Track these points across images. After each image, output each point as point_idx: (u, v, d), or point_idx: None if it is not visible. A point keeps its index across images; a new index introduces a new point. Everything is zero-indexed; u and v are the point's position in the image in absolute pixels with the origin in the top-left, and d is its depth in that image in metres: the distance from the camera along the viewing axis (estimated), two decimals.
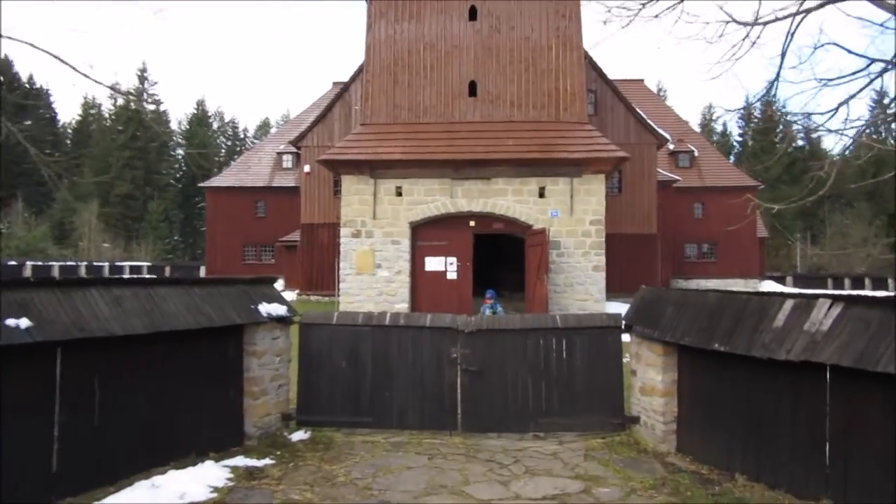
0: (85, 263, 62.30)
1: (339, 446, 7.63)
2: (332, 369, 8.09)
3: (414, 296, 19.50)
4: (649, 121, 28.88)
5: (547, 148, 19.01)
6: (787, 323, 5.72)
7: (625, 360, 8.19)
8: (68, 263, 61.70)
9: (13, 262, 55.89)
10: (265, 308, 7.77)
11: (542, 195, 19.22)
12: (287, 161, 41.52)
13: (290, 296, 30.53)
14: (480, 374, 7.96)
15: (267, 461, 6.97)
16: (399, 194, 19.32)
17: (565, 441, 7.92)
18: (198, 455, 6.97)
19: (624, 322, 7.99)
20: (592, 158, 18.62)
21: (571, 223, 19.17)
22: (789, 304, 5.82)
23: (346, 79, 29.10)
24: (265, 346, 7.82)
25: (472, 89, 20.01)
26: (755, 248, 44.59)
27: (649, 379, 7.56)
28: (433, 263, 19.56)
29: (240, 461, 6.87)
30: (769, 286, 46.12)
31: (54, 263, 59.62)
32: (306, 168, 28.86)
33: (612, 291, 22.01)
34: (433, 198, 19.27)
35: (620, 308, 23.35)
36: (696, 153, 44.86)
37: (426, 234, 19.59)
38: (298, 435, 7.94)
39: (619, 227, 27.57)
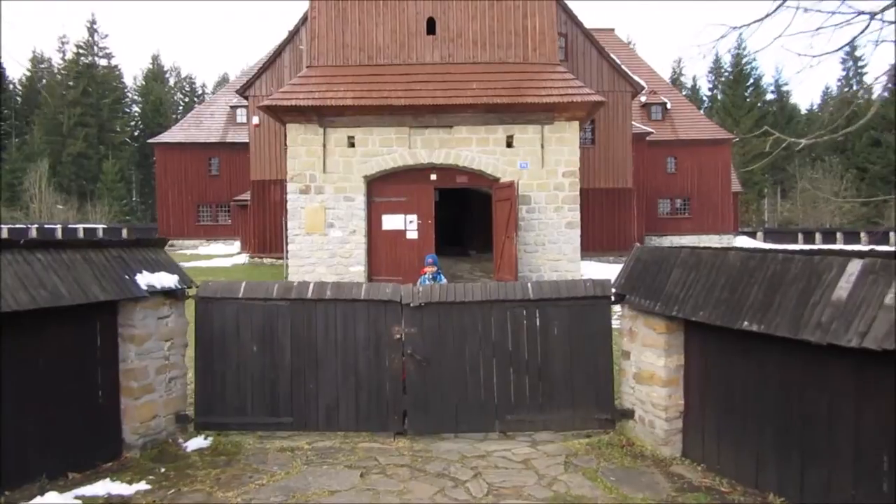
0: (35, 226, 59.50)
1: (246, 458, 5.84)
2: (241, 356, 6.27)
3: (370, 258, 17.63)
4: (624, 67, 26.99)
5: (515, 92, 17.07)
6: (854, 294, 4.02)
7: (614, 324, 6.51)
8: (17, 226, 58.84)
9: None
10: (146, 279, 5.90)
11: (509, 145, 17.37)
12: (241, 115, 39.15)
13: (242, 259, 28.52)
14: (431, 358, 6.22)
15: (141, 486, 5.17)
16: (352, 145, 17.31)
17: (540, 442, 6.25)
18: (50, 478, 5.17)
19: (614, 290, 6.27)
20: (566, 103, 16.72)
21: (542, 175, 17.38)
22: (856, 266, 4.12)
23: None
24: (148, 328, 5.96)
25: (431, 27, 17.90)
26: (729, 203, 43.40)
27: (647, 363, 5.88)
28: (391, 222, 17.65)
29: (101, 487, 5.07)
30: (743, 242, 45.21)
31: (2, 226, 56.72)
32: (255, 120, 26.54)
33: (585, 250, 20.46)
34: (390, 149, 17.29)
35: (595, 268, 21.87)
36: (668, 105, 43.34)
37: (383, 189, 17.65)
38: (197, 442, 6.15)
39: (593, 182, 25.96)
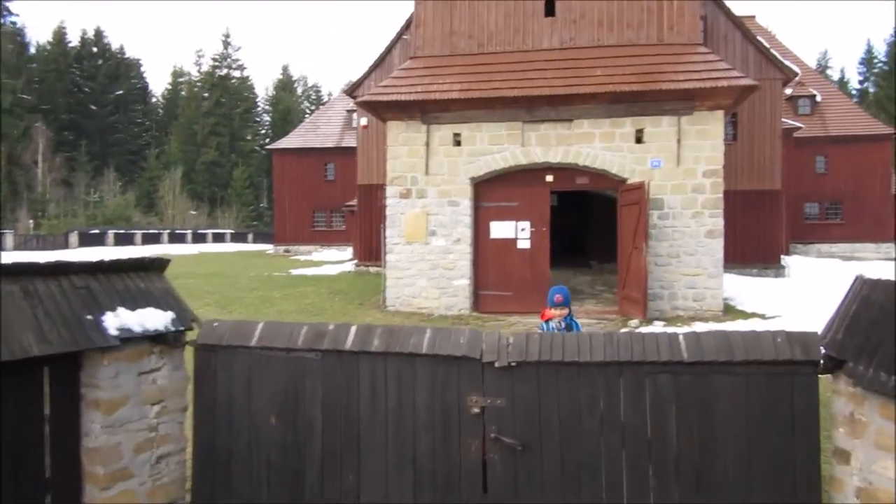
0: (168, 231, 62.27)
1: None
2: (254, 429, 4.41)
3: (477, 270, 15.67)
4: (773, 51, 23.61)
5: (647, 78, 14.60)
6: None
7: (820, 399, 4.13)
8: (150, 231, 61.72)
9: (96, 231, 56.07)
10: (121, 319, 4.14)
11: (639, 140, 14.92)
12: (357, 119, 38.48)
13: (350, 266, 27.37)
14: (526, 445, 4.12)
15: None
16: (457, 143, 15.44)
17: None
18: None
19: (824, 350, 3.91)
20: (709, 88, 14.07)
21: (678, 175, 14.81)
22: None
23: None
24: (122, 389, 4.20)
25: (550, 7, 15.73)
26: (890, 207, 38.34)
27: (888, 479, 3.51)
28: (500, 229, 15.61)
29: None
30: None
31: (136, 231, 59.64)
32: (362, 121, 25.30)
33: (724, 261, 17.61)
34: (500, 146, 15.28)
35: (735, 283, 18.74)
36: (818, 98, 38.85)
37: (491, 192, 15.66)
38: None
39: (734, 183, 22.76)
